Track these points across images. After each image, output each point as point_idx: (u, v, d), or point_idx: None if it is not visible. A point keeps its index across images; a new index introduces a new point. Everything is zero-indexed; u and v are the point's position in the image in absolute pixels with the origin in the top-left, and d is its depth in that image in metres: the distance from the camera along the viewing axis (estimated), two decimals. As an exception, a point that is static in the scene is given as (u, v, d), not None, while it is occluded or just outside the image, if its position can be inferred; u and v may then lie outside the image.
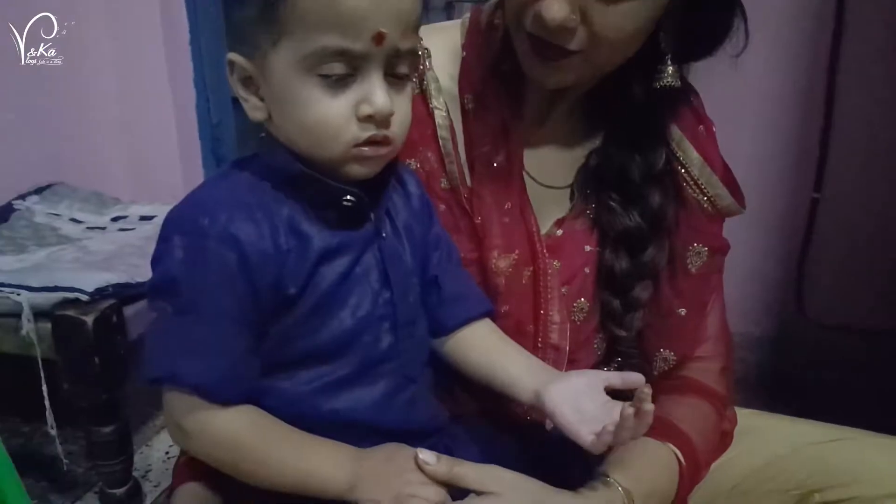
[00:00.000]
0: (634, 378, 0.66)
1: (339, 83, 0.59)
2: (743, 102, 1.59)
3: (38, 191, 1.75)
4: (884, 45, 1.47)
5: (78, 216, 1.69)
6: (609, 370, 0.85)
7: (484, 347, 0.75)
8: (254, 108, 0.64)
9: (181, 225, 0.62)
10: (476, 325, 0.76)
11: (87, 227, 1.63)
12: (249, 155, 0.69)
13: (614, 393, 0.69)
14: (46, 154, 1.88)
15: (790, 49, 1.54)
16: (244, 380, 0.62)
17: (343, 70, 0.59)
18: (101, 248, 1.45)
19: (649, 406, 0.59)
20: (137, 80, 2.06)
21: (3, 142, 1.76)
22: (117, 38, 2.04)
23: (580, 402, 0.65)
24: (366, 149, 0.62)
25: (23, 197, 1.71)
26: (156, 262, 0.63)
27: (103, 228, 1.63)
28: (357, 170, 0.64)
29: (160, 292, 0.62)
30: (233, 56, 0.62)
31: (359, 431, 0.66)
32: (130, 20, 2.01)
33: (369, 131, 0.61)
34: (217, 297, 0.60)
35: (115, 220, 1.69)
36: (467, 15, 0.86)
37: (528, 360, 0.73)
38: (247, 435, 0.61)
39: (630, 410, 0.60)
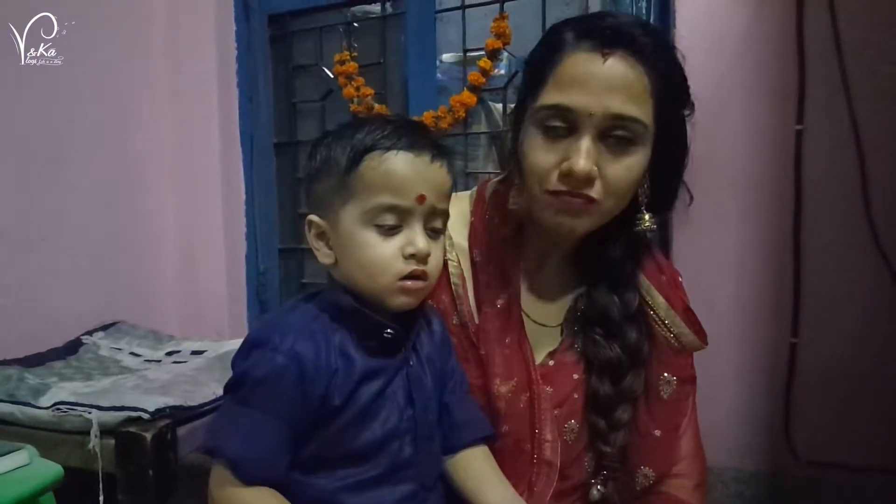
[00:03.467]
0: None
1: (390, 231, 0.78)
2: (723, 262, 1.79)
3: (104, 328, 1.98)
4: (837, 203, 1.68)
5: (137, 350, 1.89)
6: (596, 482, 0.99)
7: (474, 472, 0.87)
8: (324, 256, 0.83)
9: (259, 341, 0.79)
10: (474, 449, 0.89)
11: (145, 360, 1.83)
12: (315, 291, 0.88)
13: None
14: (112, 297, 2.11)
15: (759, 213, 1.76)
16: (271, 468, 0.76)
17: (393, 221, 0.78)
18: (159, 377, 1.63)
19: None
20: (196, 233, 2.34)
21: (75, 285, 1.99)
22: (181, 195, 2.34)
23: None
24: (408, 282, 0.79)
25: (90, 333, 1.94)
26: (234, 365, 0.80)
27: (159, 361, 1.82)
28: (401, 300, 0.80)
29: (231, 387, 0.79)
30: (312, 217, 0.83)
31: None
32: (195, 183, 2.33)
33: (411, 266, 0.78)
34: (271, 398, 0.76)
35: (169, 353, 1.89)
36: (475, 188, 1.07)
37: (504, 493, 0.85)
38: None
39: None
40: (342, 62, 2.17)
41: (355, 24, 2.30)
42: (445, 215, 0.84)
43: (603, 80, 0.82)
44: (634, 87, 0.83)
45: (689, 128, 0.96)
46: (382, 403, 0.80)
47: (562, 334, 1.01)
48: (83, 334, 1.92)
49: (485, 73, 1.96)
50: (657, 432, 0.97)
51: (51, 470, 1.09)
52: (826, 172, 1.69)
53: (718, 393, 1.79)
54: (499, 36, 1.92)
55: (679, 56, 0.90)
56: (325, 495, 0.78)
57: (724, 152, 1.76)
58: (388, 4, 2.20)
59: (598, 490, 0.98)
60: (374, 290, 0.80)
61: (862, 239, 1.64)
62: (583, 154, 0.84)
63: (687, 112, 0.93)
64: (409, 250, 0.78)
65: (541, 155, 0.87)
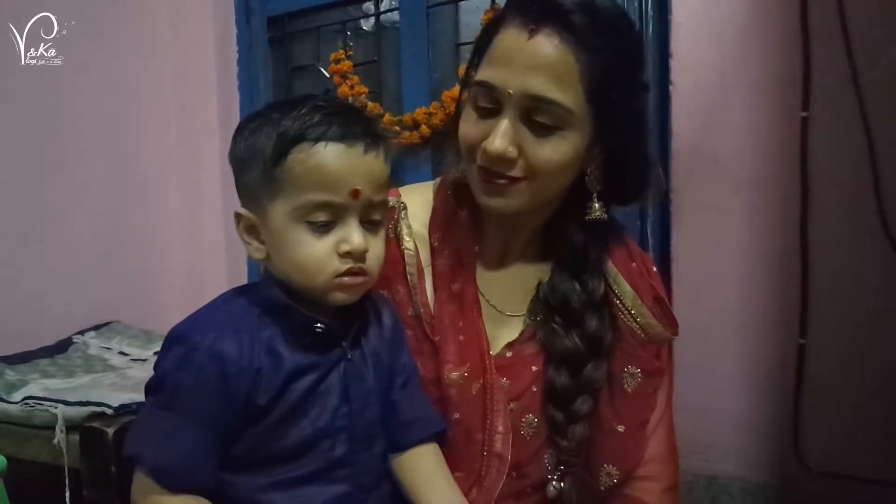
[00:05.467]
0: None
1: (323, 228, 0.75)
2: (726, 260, 1.70)
3: (97, 327, 1.99)
4: (847, 195, 1.58)
5: (126, 350, 1.89)
6: (553, 478, 0.93)
7: (420, 473, 0.84)
8: (255, 250, 0.79)
9: (179, 338, 0.76)
10: (422, 448, 0.86)
11: (132, 359, 1.83)
12: (251, 283, 0.85)
13: None
14: (113, 297, 2.12)
15: (763, 208, 1.66)
16: (194, 475, 0.73)
17: (326, 218, 0.75)
18: (138, 375, 1.62)
19: None
20: (197, 234, 2.35)
21: (75, 285, 2.01)
22: (183, 195, 2.36)
23: None
24: (346, 279, 0.76)
25: (82, 332, 1.95)
26: (156, 366, 0.78)
27: (145, 360, 1.82)
28: (340, 296, 0.77)
29: (152, 389, 0.76)
30: (240, 210, 0.79)
31: None
32: (197, 183, 2.35)
33: (348, 264, 0.75)
34: (192, 400, 0.73)
35: (156, 353, 1.88)
36: (439, 178, 1.04)
37: (448, 496, 0.82)
38: None
39: None
40: (338, 61, 2.16)
41: (364, 28, 2.29)
42: (384, 206, 0.80)
43: (526, 59, 0.79)
44: (558, 68, 0.79)
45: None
46: (314, 401, 0.77)
47: (524, 324, 0.98)
48: (75, 334, 1.93)
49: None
50: (621, 428, 0.93)
51: (-7, 460, 1.07)
52: (834, 162, 1.59)
53: (723, 399, 1.70)
54: (490, 29, 1.87)
55: (629, 37, 0.86)
56: (254, 494, 0.76)
57: (725, 144, 1.69)
58: (381, 3, 2.19)
59: (555, 487, 0.93)
60: (310, 289, 0.77)
61: (873, 233, 1.53)
62: (498, 134, 0.81)
63: (639, 93, 0.89)
64: (345, 248, 0.75)
65: (470, 128, 0.86)
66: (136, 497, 0.75)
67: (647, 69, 0.96)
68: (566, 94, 0.80)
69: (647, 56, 1.60)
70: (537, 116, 0.81)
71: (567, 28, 0.79)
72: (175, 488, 0.72)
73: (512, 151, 0.82)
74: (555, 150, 0.83)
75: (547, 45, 0.79)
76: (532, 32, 0.79)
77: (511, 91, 0.80)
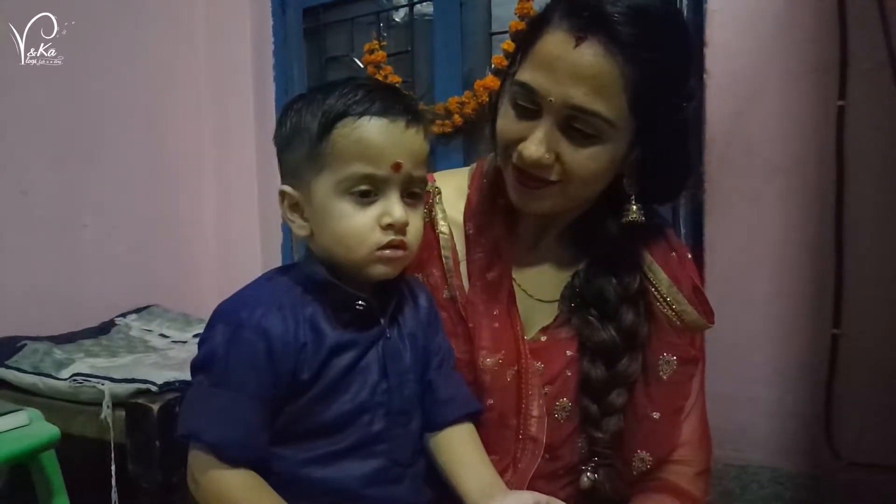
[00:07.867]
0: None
1: (366, 201, 0.75)
2: (760, 250, 1.70)
3: (138, 310, 2.05)
4: (883, 183, 1.56)
5: (166, 332, 1.95)
6: (587, 469, 0.94)
7: (454, 452, 0.84)
8: (299, 227, 0.81)
9: (225, 316, 0.77)
10: (458, 427, 0.86)
11: (172, 341, 1.88)
12: (293, 263, 0.86)
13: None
14: (150, 283, 2.19)
15: (798, 196, 1.65)
16: (252, 447, 0.74)
17: (369, 190, 0.75)
18: (179, 356, 1.68)
19: None
20: (232, 223, 2.40)
21: (115, 271, 2.07)
22: (219, 184, 2.42)
23: None
24: (387, 251, 0.77)
25: (124, 315, 2.01)
26: (202, 343, 0.79)
27: (185, 342, 1.87)
28: (381, 270, 0.78)
29: (201, 367, 0.77)
30: (284, 188, 0.80)
31: (343, 499, 0.77)
32: (232, 172, 2.40)
33: (389, 236, 0.76)
34: (244, 376, 0.74)
35: (196, 335, 1.93)
36: (475, 164, 1.05)
37: (482, 474, 0.82)
38: (241, 494, 0.73)
39: None
40: (371, 51, 2.18)
41: (396, 20, 2.31)
42: (423, 182, 0.81)
43: (570, 67, 0.78)
44: (601, 79, 0.77)
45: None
46: (354, 377, 0.78)
47: (558, 310, 0.97)
48: (117, 316, 1.98)
49: (509, 56, 1.93)
50: (655, 415, 0.92)
51: (48, 431, 1.13)
52: (870, 150, 1.57)
53: (755, 388, 1.70)
54: (523, 18, 1.88)
55: (680, 47, 0.84)
56: (292, 467, 0.77)
57: (759, 132, 1.68)
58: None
59: (589, 478, 0.94)
60: (351, 262, 0.78)
61: (910, 222, 1.52)
62: (535, 140, 0.81)
63: (684, 104, 0.87)
64: (387, 220, 0.76)
65: (508, 126, 0.86)
66: (196, 473, 0.75)
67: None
68: (608, 106, 0.79)
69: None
70: (577, 124, 0.80)
71: (615, 39, 0.76)
72: (235, 462, 0.74)
73: (548, 158, 0.82)
74: (592, 158, 0.82)
75: (592, 55, 0.77)
76: (579, 41, 0.77)
77: (552, 98, 0.79)
